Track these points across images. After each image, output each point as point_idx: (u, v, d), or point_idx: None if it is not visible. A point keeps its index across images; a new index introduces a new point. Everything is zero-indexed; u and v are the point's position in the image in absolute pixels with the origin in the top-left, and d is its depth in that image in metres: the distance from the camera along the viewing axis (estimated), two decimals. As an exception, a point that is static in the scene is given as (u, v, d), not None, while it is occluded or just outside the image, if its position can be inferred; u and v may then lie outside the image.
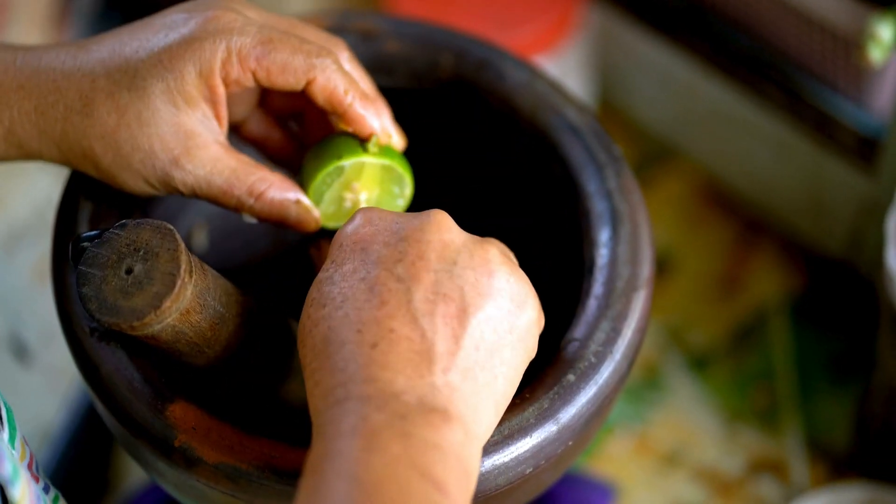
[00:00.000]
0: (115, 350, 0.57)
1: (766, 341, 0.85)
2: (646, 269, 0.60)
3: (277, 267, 0.73)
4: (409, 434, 0.48)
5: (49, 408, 0.83)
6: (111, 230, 0.54)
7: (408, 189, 0.61)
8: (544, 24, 0.85)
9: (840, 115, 0.81)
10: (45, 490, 0.56)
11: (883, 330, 0.74)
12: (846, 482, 0.80)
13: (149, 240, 0.53)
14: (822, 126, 0.82)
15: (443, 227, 0.53)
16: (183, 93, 0.56)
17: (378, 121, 0.59)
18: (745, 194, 0.89)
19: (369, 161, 0.59)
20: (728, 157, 0.89)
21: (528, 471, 0.56)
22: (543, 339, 0.63)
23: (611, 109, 0.93)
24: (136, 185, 0.57)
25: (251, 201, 0.57)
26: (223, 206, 0.57)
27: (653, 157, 0.92)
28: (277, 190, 0.58)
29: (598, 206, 0.62)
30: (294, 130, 0.63)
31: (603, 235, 0.61)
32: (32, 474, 0.55)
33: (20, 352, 0.84)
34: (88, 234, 0.57)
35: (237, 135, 0.62)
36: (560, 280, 0.66)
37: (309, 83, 0.57)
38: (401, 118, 0.69)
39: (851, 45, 0.76)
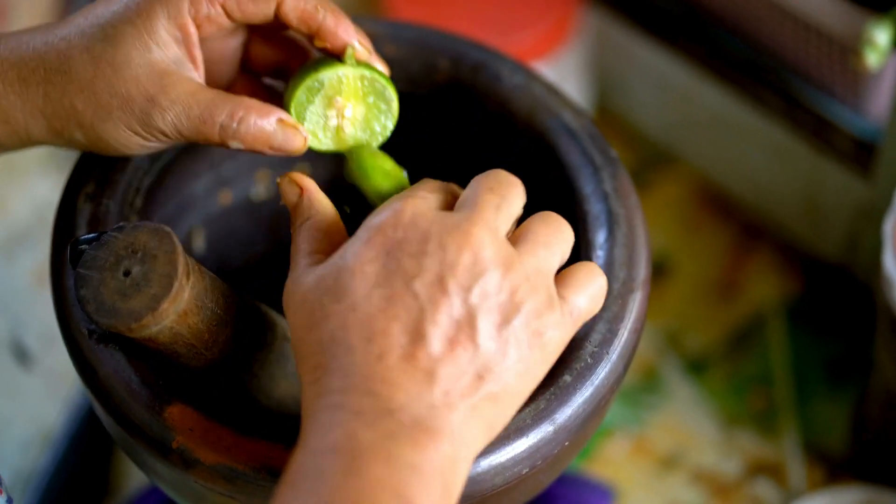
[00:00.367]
0: (113, 352, 0.57)
1: (764, 345, 0.85)
2: (642, 271, 0.60)
3: (274, 269, 0.73)
4: (393, 457, 0.48)
5: (49, 411, 0.83)
6: (109, 233, 0.54)
7: (394, 104, 0.60)
8: (542, 30, 0.85)
9: (837, 120, 0.81)
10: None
11: (879, 333, 0.74)
12: (843, 485, 0.80)
13: (146, 242, 0.54)
14: (818, 131, 0.82)
15: (474, 242, 0.51)
16: (154, 35, 0.56)
17: (354, 35, 0.59)
18: (742, 198, 0.89)
19: (348, 72, 0.59)
20: (725, 161, 0.89)
21: (524, 471, 0.56)
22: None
23: (608, 114, 0.93)
24: (120, 136, 0.57)
25: (234, 125, 0.57)
26: (208, 140, 0.57)
27: (650, 162, 0.92)
28: (258, 113, 0.57)
29: (594, 209, 0.62)
30: (280, 93, 0.63)
31: (599, 237, 0.61)
32: None
33: (21, 355, 0.85)
34: (87, 236, 0.57)
35: None
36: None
37: (279, 5, 0.57)
38: (398, 122, 0.70)
39: (848, 50, 0.76)
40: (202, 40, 0.58)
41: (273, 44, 0.61)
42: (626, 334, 0.59)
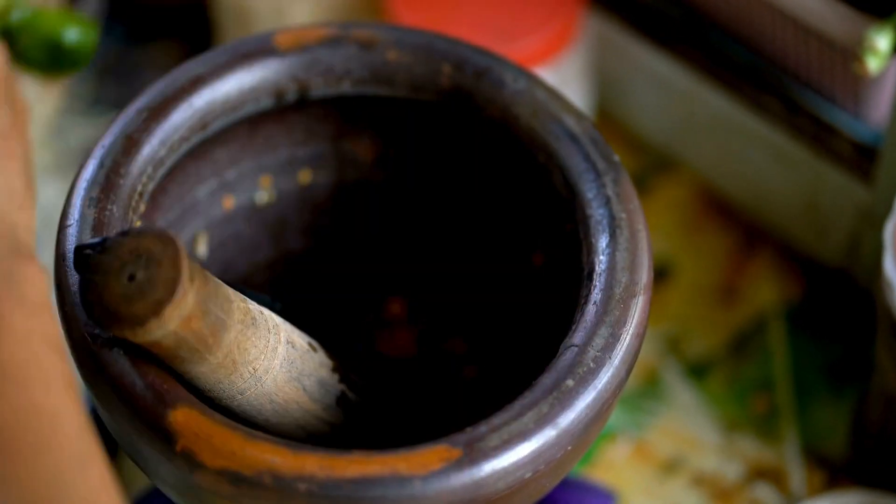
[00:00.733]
0: (117, 356, 0.57)
1: (764, 349, 0.86)
2: (644, 276, 0.61)
3: (278, 274, 0.73)
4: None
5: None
6: (114, 238, 0.55)
7: None
8: (545, 36, 0.85)
9: (837, 125, 0.81)
10: None
11: (880, 337, 0.74)
12: (844, 489, 0.80)
13: (151, 247, 0.54)
14: (819, 135, 0.82)
15: None
16: None
17: None
18: (742, 203, 0.90)
19: None
20: (726, 166, 0.89)
21: (527, 475, 0.56)
22: (543, 344, 0.63)
23: (609, 119, 0.93)
24: None
25: None
26: None
27: (651, 166, 0.92)
28: None
29: (596, 213, 0.62)
30: None
31: (601, 242, 0.61)
32: None
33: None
34: (91, 241, 0.57)
35: None
36: (558, 286, 0.66)
37: None
38: (402, 128, 0.70)
39: (849, 56, 0.77)
40: None
41: None
42: (628, 339, 0.59)
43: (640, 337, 0.60)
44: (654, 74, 0.89)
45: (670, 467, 0.82)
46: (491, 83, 0.66)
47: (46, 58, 0.66)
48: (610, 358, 0.58)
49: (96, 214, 0.61)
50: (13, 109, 0.63)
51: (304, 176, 0.71)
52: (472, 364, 0.73)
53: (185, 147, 0.65)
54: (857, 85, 0.79)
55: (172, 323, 0.53)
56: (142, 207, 0.63)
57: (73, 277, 0.59)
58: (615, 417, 0.83)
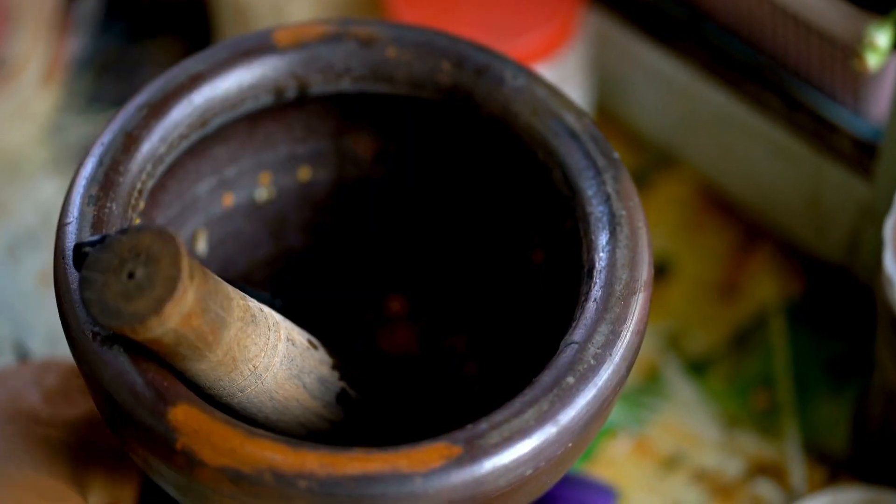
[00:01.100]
0: (117, 354, 0.57)
1: (765, 345, 0.85)
2: (644, 273, 0.61)
3: (278, 271, 0.73)
4: None
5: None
6: (113, 235, 0.55)
7: None
8: (544, 33, 0.85)
9: (837, 121, 0.81)
10: None
11: (880, 334, 0.74)
12: (844, 485, 0.80)
13: (150, 244, 0.54)
14: (819, 132, 0.82)
15: None
16: None
17: None
18: (743, 199, 0.90)
19: None
20: (726, 163, 0.89)
21: (527, 472, 0.57)
22: (543, 341, 0.63)
23: (609, 116, 0.93)
24: None
25: None
26: None
27: (651, 164, 0.92)
28: None
29: (596, 211, 0.62)
30: None
31: (601, 239, 0.61)
32: None
33: (24, 357, 0.85)
34: (90, 239, 0.57)
35: None
36: (558, 283, 0.66)
37: None
38: (401, 125, 0.70)
39: (849, 52, 0.77)
40: None
41: None
42: (628, 336, 0.59)
43: (640, 334, 0.60)
44: (654, 71, 0.89)
45: (671, 463, 0.82)
46: (490, 80, 0.65)
47: None
48: (610, 355, 0.58)
49: (96, 212, 0.61)
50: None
51: (304, 173, 0.71)
52: (473, 361, 0.73)
53: (184, 144, 0.65)
54: (856, 81, 0.79)
55: (172, 320, 0.53)
56: (141, 205, 0.63)
57: (73, 275, 0.59)
58: (616, 414, 0.83)
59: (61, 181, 0.91)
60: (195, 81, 0.65)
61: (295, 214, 0.72)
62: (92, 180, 0.61)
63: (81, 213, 0.60)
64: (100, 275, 0.54)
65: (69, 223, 0.60)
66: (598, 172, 0.63)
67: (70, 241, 0.60)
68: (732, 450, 0.82)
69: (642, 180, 0.91)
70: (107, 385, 0.57)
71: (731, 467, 0.82)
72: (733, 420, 0.83)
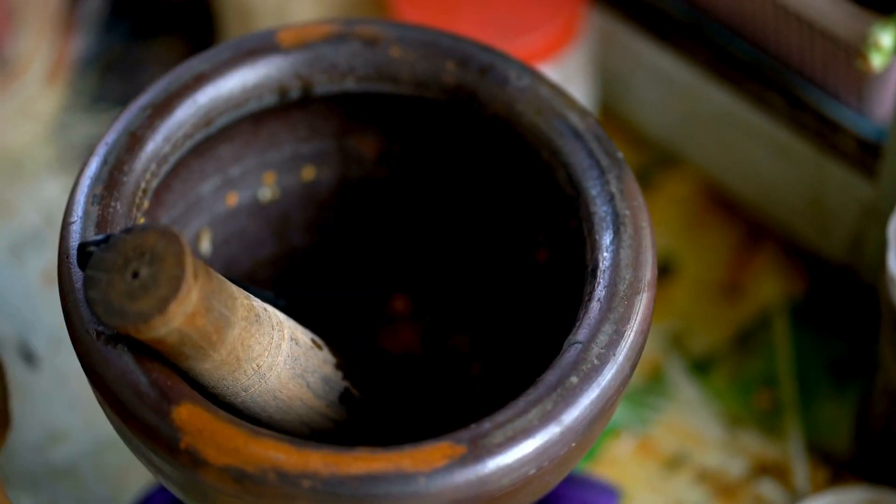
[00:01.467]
0: (121, 353, 0.57)
1: (768, 345, 0.86)
2: (648, 273, 0.61)
3: (281, 270, 0.73)
4: None
5: (56, 412, 0.83)
6: (117, 235, 0.55)
7: None
8: (548, 33, 0.85)
9: (841, 121, 0.81)
10: None
11: (884, 333, 0.74)
12: (847, 485, 0.80)
13: (154, 244, 0.54)
14: (823, 132, 0.82)
15: None
16: None
17: None
18: (746, 199, 0.90)
19: None
20: (730, 162, 0.89)
21: (531, 472, 0.57)
22: (547, 341, 0.63)
23: (612, 115, 0.93)
24: None
25: None
26: None
27: (654, 163, 0.92)
28: None
29: (600, 210, 0.62)
30: None
31: (605, 239, 0.61)
32: None
33: (28, 356, 0.85)
34: (95, 238, 0.57)
35: None
36: (562, 283, 0.66)
37: None
38: (405, 125, 0.70)
39: (852, 52, 0.77)
40: None
41: None
42: (632, 336, 0.59)
43: (644, 334, 0.60)
44: (657, 71, 0.89)
45: (674, 463, 0.82)
46: (495, 80, 0.66)
47: None
48: (614, 355, 0.58)
49: (100, 211, 0.61)
50: None
51: (308, 173, 0.71)
52: (476, 361, 0.73)
53: (188, 144, 0.65)
54: (860, 81, 0.79)
55: (176, 320, 0.53)
56: (145, 204, 0.63)
57: (77, 274, 0.59)
58: (619, 413, 0.83)
59: (65, 180, 0.91)
60: (199, 81, 0.65)
61: (299, 214, 0.72)
62: (96, 179, 0.61)
63: (86, 213, 0.61)
64: (104, 274, 0.54)
65: (73, 222, 0.60)
66: (602, 172, 0.63)
67: (74, 241, 0.60)
68: (735, 449, 0.82)
69: (645, 179, 0.91)
70: (111, 384, 0.57)
71: (734, 467, 0.82)
72: (736, 420, 0.83)
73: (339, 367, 0.65)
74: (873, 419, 0.79)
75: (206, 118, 0.65)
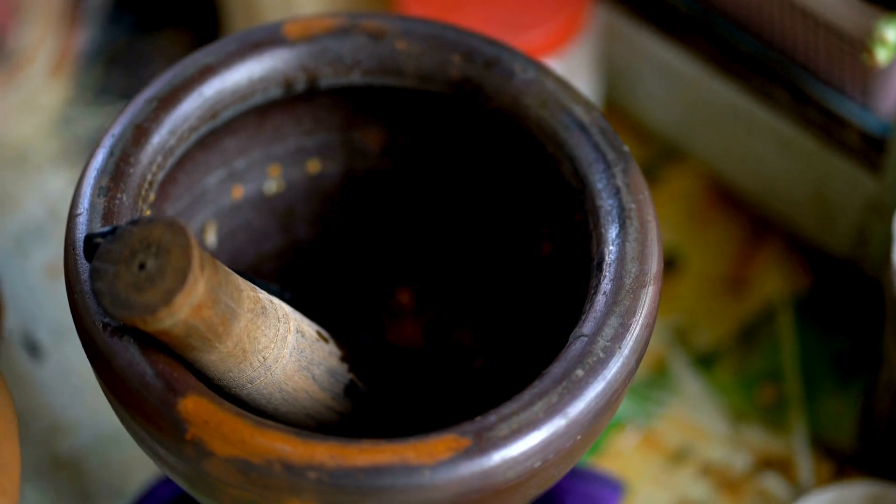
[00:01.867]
0: (127, 345, 0.57)
1: (772, 340, 0.86)
2: (654, 266, 0.61)
3: (286, 263, 0.73)
4: None
5: (61, 405, 0.84)
6: (124, 226, 0.55)
7: None
8: (553, 27, 0.85)
9: (846, 116, 0.81)
10: None
11: (888, 328, 0.74)
12: (851, 480, 0.80)
13: (161, 236, 0.54)
14: (828, 126, 0.82)
15: None
16: None
17: None
18: (751, 194, 0.90)
19: None
20: (734, 156, 0.89)
21: (536, 464, 0.57)
22: (552, 335, 0.63)
23: (617, 109, 0.93)
24: None
25: None
26: None
27: (659, 157, 0.92)
28: None
29: (606, 204, 0.62)
30: None
31: (611, 232, 0.61)
32: None
33: (32, 349, 0.85)
34: (101, 230, 0.57)
35: None
36: (567, 276, 0.66)
37: None
38: (411, 118, 0.70)
39: (858, 46, 0.77)
40: None
41: None
42: (638, 329, 0.59)
43: (649, 327, 0.60)
44: (662, 65, 0.89)
45: (678, 457, 0.82)
46: (500, 73, 0.65)
47: None
48: (620, 348, 0.58)
49: (106, 203, 0.61)
50: None
51: (313, 165, 0.71)
52: (481, 354, 0.73)
53: (194, 136, 0.65)
54: (865, 76, 0.79)
55: (183, 312, 0.53)
56: (151, 196, 0.63)
57: (83, 266, 0.59)
58: (623, 407, 0.83)
59: (69, 174, 0.91)
60: (205, 74, 0.65)
61: (304, 207, 0.72)
62: (102, 171, 0.61)
63: (92, 204, 0.61)
64: (110, 266, 0.54)
65: (80, 214, 0.60)
66: (607, 165, 0.63)
67: (81, 232, 0.60)
68: (739, 444, 0.82)
69: (650, 174, 0.91)
70: (117, 376, 0.57)
71: (738, 461, 0.82)
72: (740, 414, 0.83)
73: (344, 359, 0.65)
74: (877, 414, 0.79)
75: (212, 111, 0.65)
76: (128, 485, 0.81)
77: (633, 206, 0.62)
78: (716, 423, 0.83)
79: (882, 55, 0.73)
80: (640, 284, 0.60)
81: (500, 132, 0.67)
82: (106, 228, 0.57)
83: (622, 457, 0.82)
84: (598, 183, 0.63)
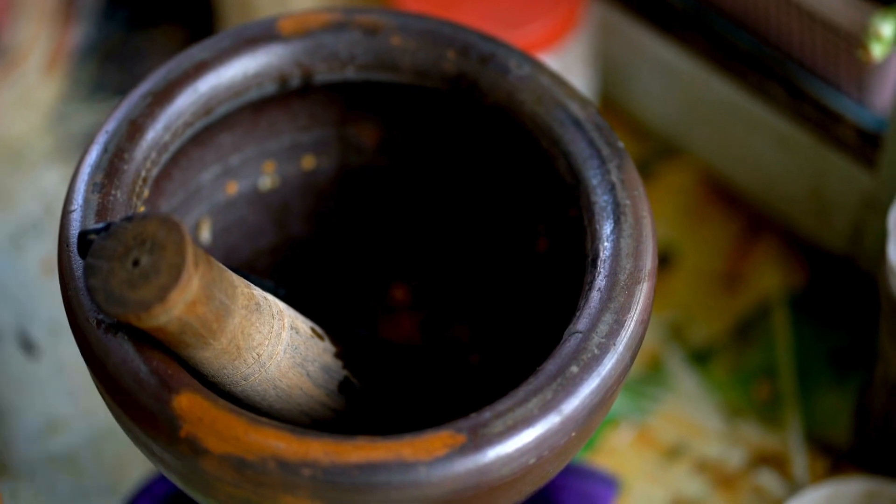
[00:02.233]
0: (121, 342, 0.57)
1: (768, 336, 0.86)
2: (648, 262, 0.61)
3: (281, 259, 0.73)
4: None
5: (56, 401, 0.83)
6: (118, 223, 0.55)
7: None
8: (550, 23, 0.85)
9: (842, 112, 0.81)
10: None
11: (883, 324, 0.74)
12: (847, 476, 0.80)
13: (155, 232, 0.54)
14: (823, 122, 0.82)
15: None
16: None
17: None
18: (746, 189, 0.90)
19: None
20: (730, 152, 0.89)
21: (531, 461, 0.56)
22: (547, 331, 0.63)
23: (612, 105, 0.93)
24: None
25: None
26: None
27: (655, 153, 0.92)
28: None
29: (601, 200, 0.62)
30: None
31: (606, 228, 0.61)
32: None
33: (27, 346, 0.85)
34: (95, 226, 0.57)
35: None
36: (562, 273, 0.66)
37: None
38: (406, 114, 0.70)
39: (853, 42, 0.77)
40: None
41: None
42: (632, 325, 0.59)
43: (644, 324, 0.60)
44: (658, 61, 0.88)
45: (673, 453, 0.82)
46: (495, 69, 0.65)
47: None
48: (614, 345, 0.58)
49: (100, 199, 0.60)
50: None
51: (308, 161, 0.71)
52: (476, 350, 0.73)
53: (189, 132, 0.65)
54: (861, 71, 0.79)
55: (177, 308, 0.53)
56: (146, 193, 0.63)
57: (77, 263, 0.59)
58: (618, 403, 0.83)
59: (64, 170, 0.91)
60: (200, 69, 0.65)
61: (299, 203, 0.72)
62: (97, 168, 0.61)
63: (86, 201, 0.60)
64: (104, 262, 0.54)
65: (73, 210, 0.60)
66: (602, 161, 0.63)
67: (75, 229, 0.60)
68: (735, 440, 0.82)
69: (645, 170, 0.91)
70: (111, 372, 0.57)
71: (734, 457, 0.82)
72: (736, 410, 0.83)
73: (339, 356, 0.64)
74: (873, 410, 0.79)
75: (207, 106, 0.65)
76: (123, 482, 0.81)
77: (627, 202, 0.62)
78: (711, 420, 0.83)
79: (877, 51, 0.72)
80: (634, 281, 0.60)
81: (495, 128, 0.67)
82: (100, 225, 0.57)
83: (617, 453, 0.82)
84: (593, 179, 0.63)
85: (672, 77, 0.89)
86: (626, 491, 0.80)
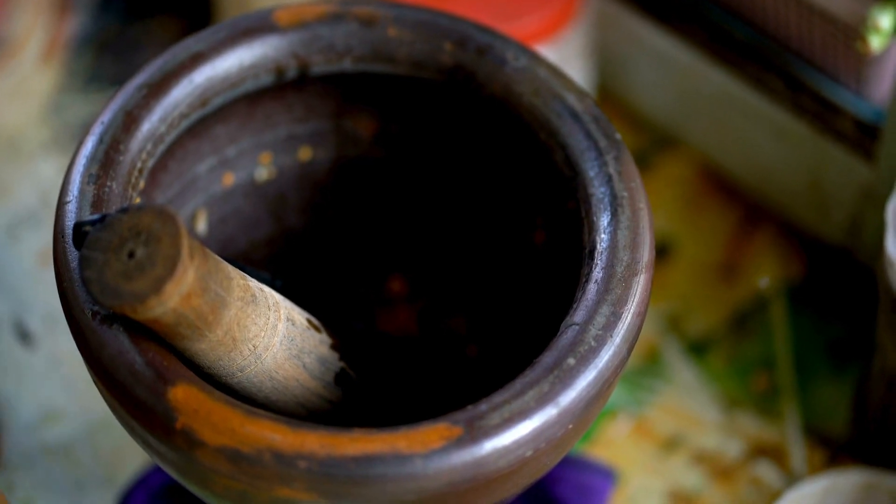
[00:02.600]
0: (116, 333, 0.57)
1: (765, 327, 0.85)
2: (646, 254, 0.61)
3: (277, 251, 0.73)
4: None
5: (52, 392, 0.83)
6: (113, 214, 0.55)
7: None
8: (547, 14, 0.85)
9: (840, 103, 0.81)
10: None
11: (881, 316, 0.74)
12: (844, 468, 0.80)
13: (151, 224, 0.54)
14: (821, 114, 0.82)
15: None
16: None
17: None
18: (744, 181, 0.89)
19: None
20: (728, 144, 0.89)
21: (528, 454, 0.56)
22: (544, 323, 0.63)
23: (610, 97, 0.93)
24: None
25: None
26: None
27: (652, 144, 0.92)
28: None
29: (598, 191, 0.62)
30: None
31: (603, 220, 0.61)
32: None
33: (24, 336, 0.85)
34: (90, 218, 0.57)
35: None
36: (560, 264, 0.66)
37: None
38: (403, 106, 0.70)
39: (851, 34, 0.76)
40: None
41: None
42: (629, 317, 0.59)
43: (641, 315, 0.60)
44: (655, 52, 0.88)
45: (671, 445, 0.82)
46: (492, 61, 0.65)
47: None
48: (611, 336, 0.58)
49: (96, 191, 0.60)
50: None
51: (304, 153, 0.71)
52: (473, 343, 0.73)
53: (184, 124, 0.65)
54: (859, 63, 0.79)
55: (172, 300, 0.53)
56: (141, 184, 0.63)
57: (72, 254, 0.59)
58: (615, 395, 0.83)
59: (61, 160, 0.91)
60: (195, 61, 0.64)
61: (295, 194, 0.72)
62: (92, 159, 0.61)
63: (81, 192, 0.60)
64: (100, 254, 0.54)
65: (69, 202, 0.60)
66: (599, 153, 0.63)
67: (70, 220, 0.60)
68: (732, 431, 0.82)
69: (643, 161, 0.91)
70: (106, 364, 0.57)
71: (731, 449, 0.82)
72: (733, 402, 0.83)
73: (335, 347, 0.64)
74: (871, 401, 0.79)
75: (203, 98, 0.65)
76: (119, 473, 0.81)
77: (625, 193, 0.62)
78: (708, 411, 0.83)
79: (875, 42, 0.72)
80: (631, 273, 0.60)
81: (492, 120, 0.67)
82: (95, 216, 0.57)
83: (614, 445, 0.82)
84: (591, 171, 0.62)
85: (670, 68, 0.88)
86: (623, 482, 0.80)
